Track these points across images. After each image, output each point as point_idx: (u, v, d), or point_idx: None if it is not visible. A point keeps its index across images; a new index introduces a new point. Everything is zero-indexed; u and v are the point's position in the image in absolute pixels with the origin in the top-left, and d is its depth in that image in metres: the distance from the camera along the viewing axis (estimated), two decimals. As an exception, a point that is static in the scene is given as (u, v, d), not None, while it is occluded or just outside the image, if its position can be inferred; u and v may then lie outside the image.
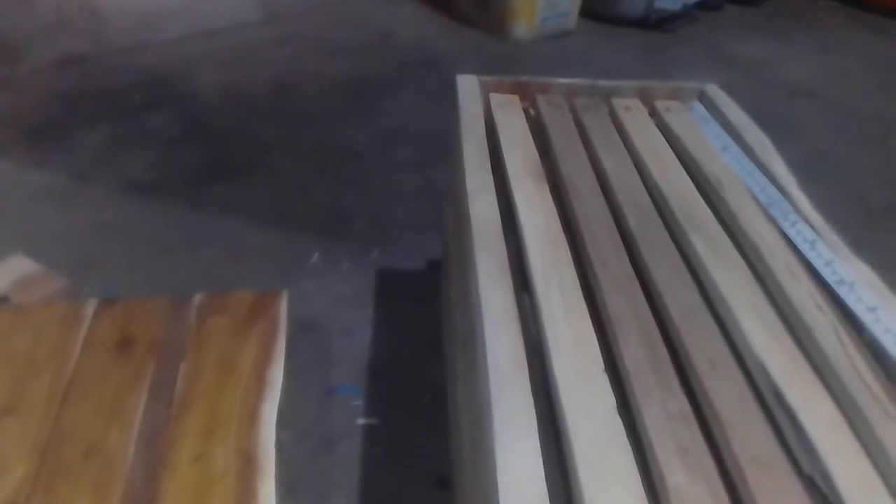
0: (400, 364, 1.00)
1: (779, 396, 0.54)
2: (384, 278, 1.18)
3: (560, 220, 0.72)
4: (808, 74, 2.22)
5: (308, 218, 1.33)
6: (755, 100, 2.03)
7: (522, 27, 2.33)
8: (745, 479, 0.48)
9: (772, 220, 0.73)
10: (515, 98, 0.95)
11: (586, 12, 2.47)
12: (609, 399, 0.53)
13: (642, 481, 0.49)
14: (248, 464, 0.83)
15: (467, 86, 0.94)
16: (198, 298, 1.07)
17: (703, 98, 0.97)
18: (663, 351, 0.58)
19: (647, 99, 0.97)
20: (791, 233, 0.70)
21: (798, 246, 0.69)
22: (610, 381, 0.55)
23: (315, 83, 1.83)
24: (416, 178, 1.42)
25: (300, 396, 0.95)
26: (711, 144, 0.87)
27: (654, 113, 0.95)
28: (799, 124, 1.93)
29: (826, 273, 0.65)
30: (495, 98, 0.94)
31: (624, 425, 0.51)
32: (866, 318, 0.59)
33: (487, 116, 0.89)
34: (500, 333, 0.56)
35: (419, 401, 0.91)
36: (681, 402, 0.53)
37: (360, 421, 0.92)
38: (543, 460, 0.47)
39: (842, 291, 0.63)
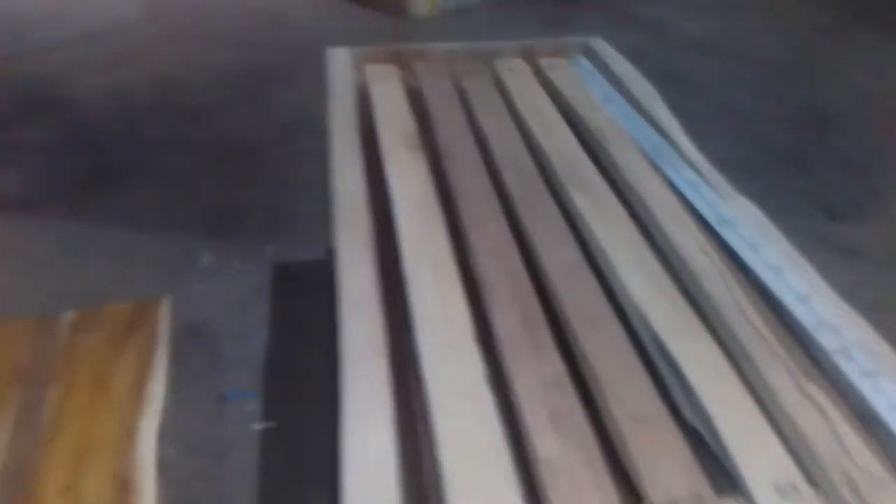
0: (298, 363, 0.94)
1: (661, 348, 0.51)
2: (281, 273, 1.11)
3: (435, 189, 0.67)
4: (710, 32, 2.23)
5: (197, 218, 1.25)
6: (658, 58, 2.03)
7: (422, 4, 2.27)
8: (624, 440, 0.44)
9: (656, 168, 0.70)
10: (393, 68, 0.89)
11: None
12: (478, 370, 0.48)
13: (514, 454, 0.44)
14: (123, 489, 0.76)
15: (338, 59, 0.88)
16: (69, 315, 0.99)
17: (589, 53, 0.94)
18: (539, 314, 0.54)
19: (531, 58, 0.93)
20: (675, 178, 0.67)
21: (682, 190, 0.66)
22: (482, 351, 0.50)
23: (205, 78, 1.74)
24: (314, 167, 1.35)
25: (190, 407, 0.88)
26: (596, 98, 0.83)
27: (538, 72, 0.91)
28: (702, 79, 1.93)
29: (709, 214, 0.62)
30: (371, 70, 0.88)
31: (494, 396, 0.47)
32: (748, 256, 0.56)
33: (364, 89, 0.84)
34: (359, 317, 0.51)
35: (319, 400, 0.85)
36: (556, 366, 0.49)
37: (257, 426, 0.85)
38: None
39: (724, 232, 0.60)
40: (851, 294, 0.55)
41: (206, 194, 1.32)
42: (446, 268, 0.57)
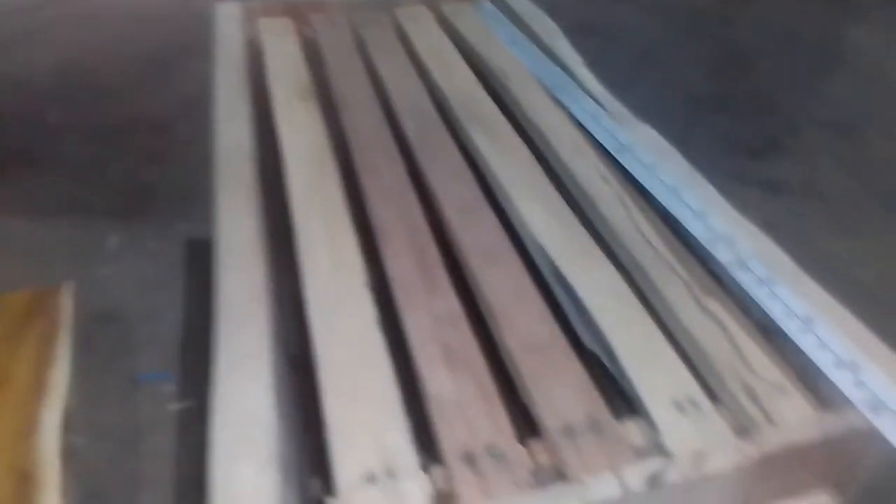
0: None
1: (559, 276, 0.49)
2: (195, 250, 1.06)
3: (329, 139, 0.64)
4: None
5: (105, 202, 1.19)
6: (576, 9, 2.01)
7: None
8: (519, 370, 0.43)
9: (558, 103, 0.68)
10: (287, 21, 0.85)
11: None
12: (369, 314, 0.46)
13: (407, 396, 0.42)
14: (25, 482, 0.71)
15: (227, 13, 0.83)
16: (-40, 308, 0.92)
17: (491, -4, 0.91)
18: (435, 254, 0.51)
19: (433, 5, 0.89)
20: (576, 110, 0.65)
21: (582, 121, 0.64)
22: (374, 295, 0.48)
23: (111, 57, 1.65)
24: (227, 139, 1.30)
25: (101, 394, 0.84)
26: (499, 40, 0.81)
27: (441, 19, 0.87)
28: (622, 29, 1.93)
29: (608, 142, 0.60)
30: (265, 23, 0.84)
31: (387, 340, 0.44)
32: (645, 178, 0.55)
33: (257, 44, 0.79)
34: (237, 269, 0.47)
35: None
36: (450, 304, 0.47)
37: (172, 407, 0.82)
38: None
39: (623, 157, 0.58)
40: (773, 225, 0.55)
41: (113, 176, 1.25)
42: (337, 215, 0.54)
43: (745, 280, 0.46)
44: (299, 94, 0.69)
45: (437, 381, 0.42)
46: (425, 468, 0.38)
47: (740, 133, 1.60)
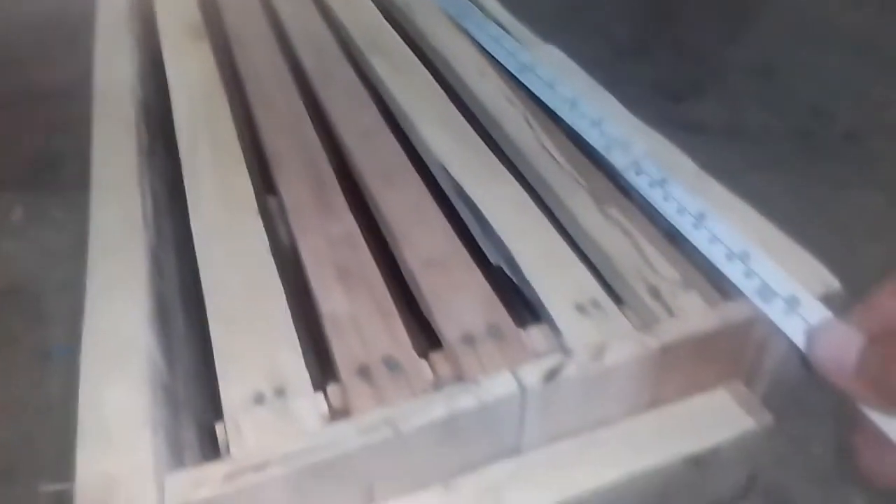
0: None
1: (461, 192, 0.47)
2: (106, 218, 1.01)
3: (222, 77, 0.60)
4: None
5: (7, 173, 1.12)
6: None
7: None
8: (419, 285, 0.41)
9: (462, 31, 0.66)
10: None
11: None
12: (260, 241, 0.43)
13: (304, 319, 0.40)
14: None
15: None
16: None
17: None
18: (332, 180, 0.49)
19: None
20: (479, 35, 0.63)
21: (486, 46, 0.62)
22: (267, 224, 0.45)
23: (10, 26, 1.55)
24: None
25: (7, 370, 0.79)
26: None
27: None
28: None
29: (511, 64, 0.59)
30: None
31: (283, 268, 0.42)
32: (546, 94, 0.54)
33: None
34: (110, 197, 0.44)
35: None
36: (347, 225, 0.45)
37: (85, 377, 0.78)
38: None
39: (524, 77, 0.57)
40: (698, 163, 0.54)
41: (13, 148, 1.18)
42: (228, 149, 0.51)
43: (641, 183, 0.45)
44: (190, 32, 0.65)
45: (332, 300, 0.40)
46: (320, 388, 0.36)
47: (665, 79, 1.61)
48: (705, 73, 1.67)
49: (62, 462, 0.75)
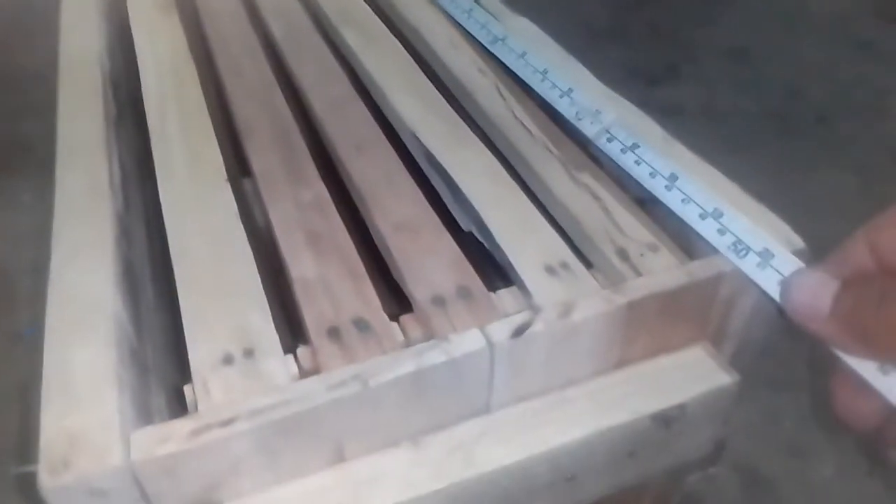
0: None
1: (432, 160, 0.47)
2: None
3: (191, 49, 0.60)
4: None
5: (-24, 156, 1.11)
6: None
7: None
8: (390, 249, 0.41)
9: (434, 4, 0.66)
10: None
11: None
12: (229, 208, 0.43)
13: (274, 285, 0.40)
14: None
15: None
16: None
17: None
18: (302, 147, 0.49)
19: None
20: (451, 8, 0.63)
21: (458, 18, 0.62)
22: (235, 191, 0.45)
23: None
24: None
25: (-21, 352, 0.78)
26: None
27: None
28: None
29: (483, 35, 0.59)
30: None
31: (249, 234, 0.42)
32: (517, 64, 0.54)
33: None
34: (76, 164, 0.44)
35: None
36: (317, 191, 0.45)
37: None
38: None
39: (496, 49, 0.57)
40: None
41: (-16, 131, 1.17)
42: (196, 118, 0.51)
43: (612, 150, 0.45)
44: (158, 6, 0.64)
45: (302, 265, 0.40)
46: (289, 350, 0.36)
47: (640, 62, 1.62)
48: (680, 56, 1.68)
49: (32, 444, 0.75)
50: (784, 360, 0.80)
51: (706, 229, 0.40)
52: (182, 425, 0.29)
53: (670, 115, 1.50)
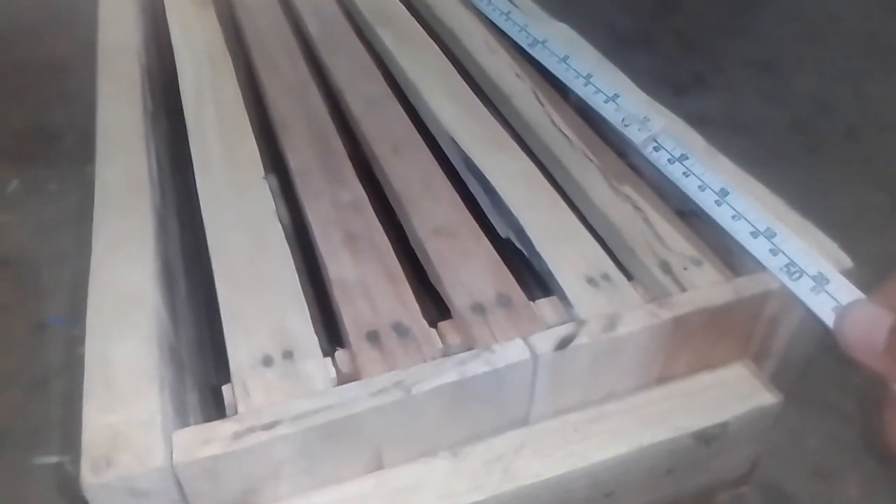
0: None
1: (469, 164, 0.47)
2: (103, 191, 1.00)
3: (227, 42, 0.59)
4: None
5: (1, 147, 1.10)
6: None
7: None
8: (428, 254, 0.40)
9: (469, 5, 0.65)
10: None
11: None
12: (266, 204, 0.43)
13: (312, 283, 0.40)
14: None
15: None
16: None
17: None
18: (338, 147, 0.48)
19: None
20: (487, 10, 0.63)
21: (495, 21, 0.61)
22: (275, 188, 0.44)
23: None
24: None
25: (4, 339, 0.78)
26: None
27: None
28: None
29: (521, 39, 0.58)
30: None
31: (290, 231, 0.42)
32: (557, 68, 0.53)
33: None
34: (116, 156, 0.43)
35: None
36: (355, 192, 0.44)
37: (82, 350, 0.77)
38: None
39: (535, 51, 0.56)
40: None
41: (10, 121, 1.17)
42: (233, 110, 0.50)
43: (659, 159, 0.45)
44: (195, 1, 0.64)
45: (340, 266, 0.39)
46: (328, 352, 0.35)
47: (666, 70, 1.61)
48: (707, 65, 1.66)
49: (57, 434, 0.75)
50: (810, 378, 0.78)
51: (758, 248, 0.39)
52: (224, 427, 0.29)
53: (695, 125, 1.49)
